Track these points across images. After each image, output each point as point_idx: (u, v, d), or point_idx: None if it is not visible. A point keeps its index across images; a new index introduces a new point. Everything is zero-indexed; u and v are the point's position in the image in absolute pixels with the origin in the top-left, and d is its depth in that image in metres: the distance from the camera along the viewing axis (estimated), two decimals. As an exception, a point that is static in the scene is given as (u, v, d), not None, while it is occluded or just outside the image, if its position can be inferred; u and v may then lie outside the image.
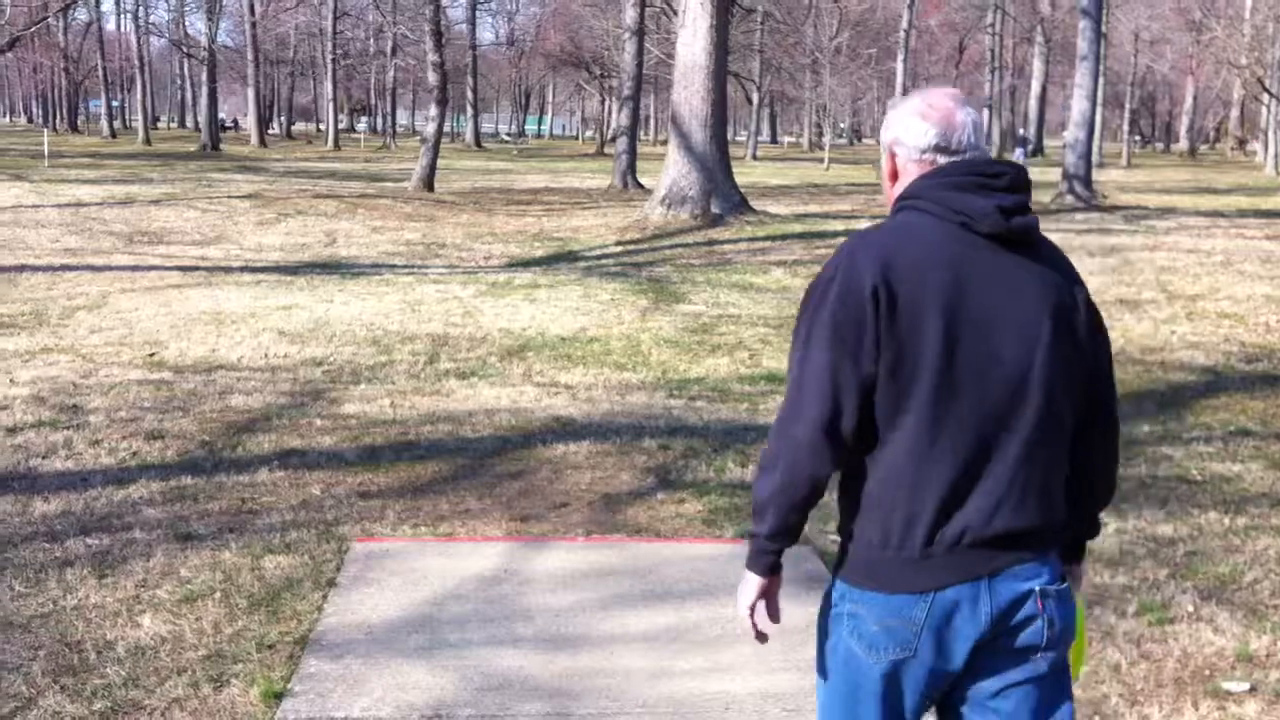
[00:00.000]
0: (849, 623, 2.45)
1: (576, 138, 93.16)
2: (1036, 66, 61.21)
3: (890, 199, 2.52)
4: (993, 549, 2.35)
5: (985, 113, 58.72)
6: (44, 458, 6.71)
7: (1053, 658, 2.44)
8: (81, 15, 67.09)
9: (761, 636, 2.60)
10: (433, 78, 29.07)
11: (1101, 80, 38.14)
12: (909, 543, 2.34)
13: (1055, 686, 2.46)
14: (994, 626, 2.36)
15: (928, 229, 2.37)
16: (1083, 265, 15.36)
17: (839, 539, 2.49)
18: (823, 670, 2.57)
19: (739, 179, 23.83)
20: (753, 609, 2.55)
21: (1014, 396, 2.37)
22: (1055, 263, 2.49)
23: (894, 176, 2.53)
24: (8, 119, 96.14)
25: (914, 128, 2.46)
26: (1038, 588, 2.39)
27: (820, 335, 2.35)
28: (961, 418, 2.34)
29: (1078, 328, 2.49)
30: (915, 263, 2.33)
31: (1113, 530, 5.87)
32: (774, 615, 2.58)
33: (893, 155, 2.52)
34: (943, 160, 2.43)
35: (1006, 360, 2.36)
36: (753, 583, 2.52)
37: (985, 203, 2.36)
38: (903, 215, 2.43)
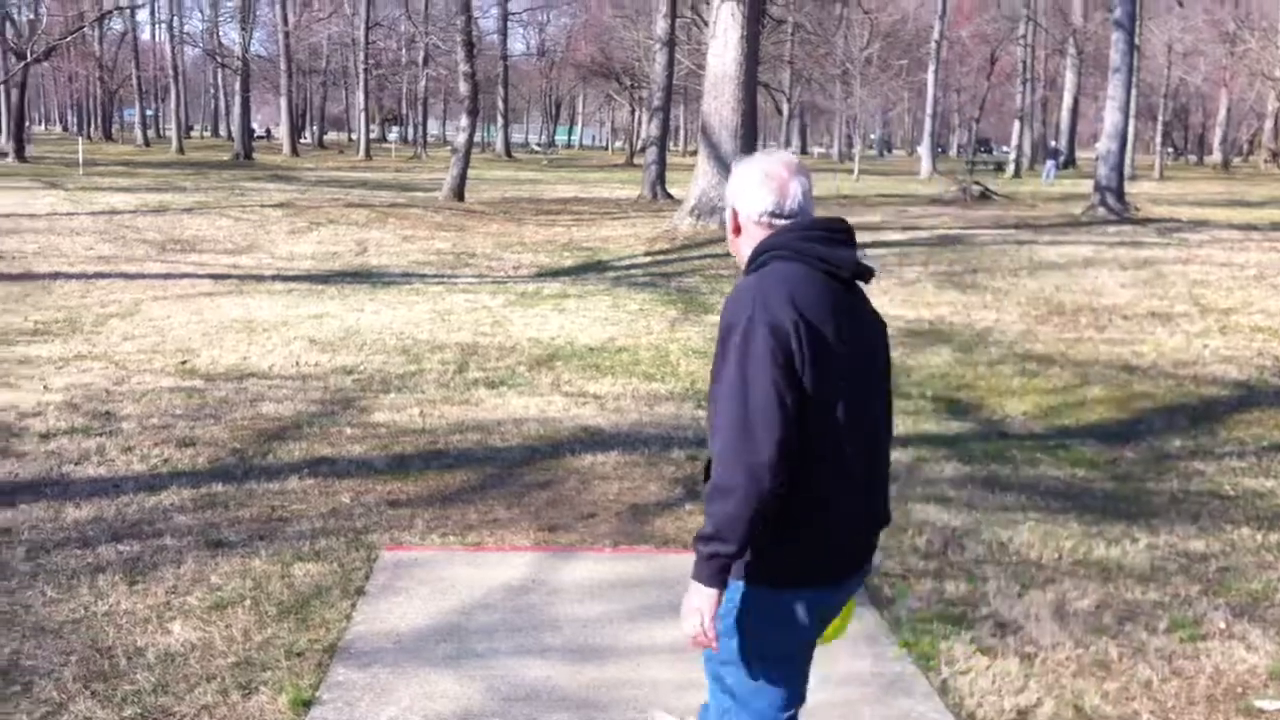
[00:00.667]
0: (785, 613, 2.91)
1: (606, 148, 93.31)
2: (1068, 78, 60.86)
3: (737, 248, 3.04)
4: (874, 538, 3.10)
5: (1016, 124, 58.50)
6: (77, 464, 6.76)
7: None
8: (117, 25, 67.74)
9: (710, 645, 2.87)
10: (464, 88, 29.18)
11: (1134, 92, 37.95)
12: (841, 544, 2.94)
13: None
14: None
15: (804, 275, 2.84)
16: (1115, 278, 15.35)
17: (762, 546, 2.82)
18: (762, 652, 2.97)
19: (769, 190, 23.76)
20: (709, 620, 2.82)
21: (881, 408, 3.07)
22: (865, 298, 3.05)
23: (737, 230, 3.03)
24: (44, 127, 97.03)
25: (752, 195, 2.95)
26: None
27: (758, 370, 2.70)
28: (864, 432, 2.91)
29: (887, 348, 3.13)
30: (811, 302, 2.79)
31: (1144, 545, 5.83)
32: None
33: (735, 213, 3.01)
34: (778, 223, 2.93)
35: (873, 378, 3.00)
36: (710, 596, 2.78)
37: (846, 253, 2.91)
38: (777, 265, 2.88)
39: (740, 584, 2.89)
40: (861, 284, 2.99)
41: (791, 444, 2.71)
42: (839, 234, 2.94)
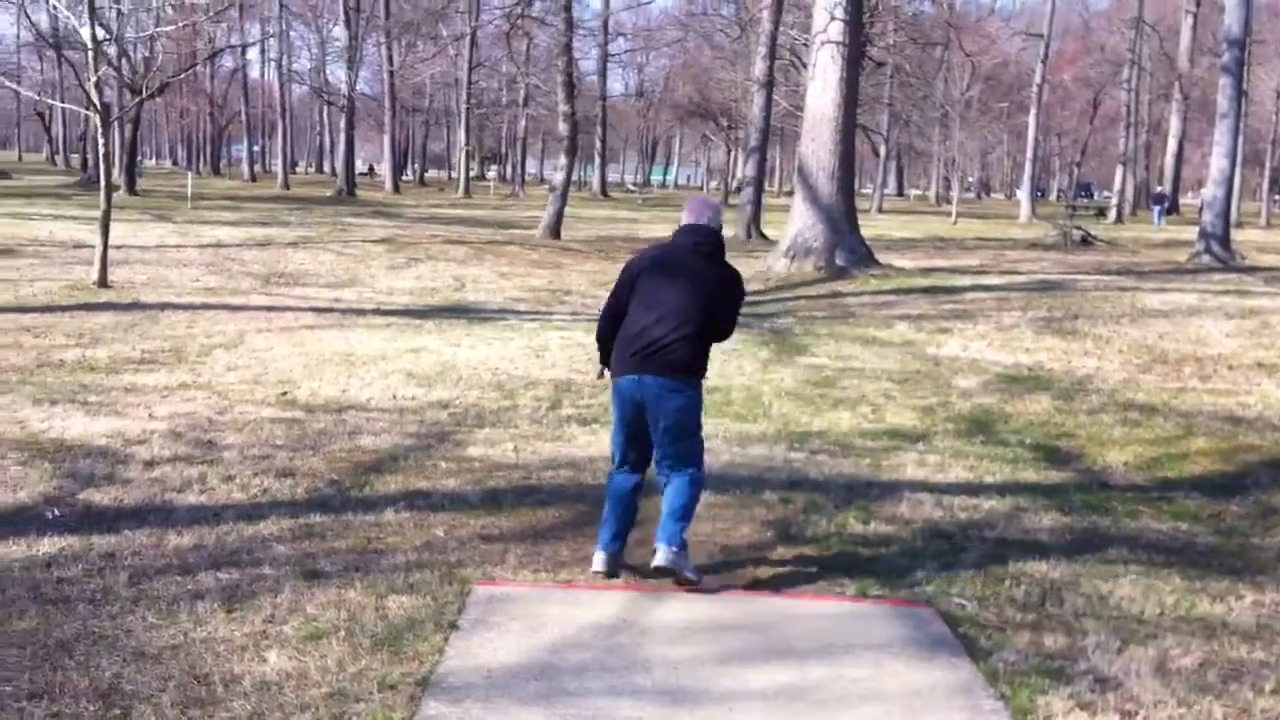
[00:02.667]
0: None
1: (701, 188, 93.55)
2: (1173, 123, 59.87)
3: None
4: None
5: (1119, 169, 57.57)
6: (179, 492, 6.90)
7: None
8: (227, 63, 69.55)
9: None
10: (563, 128, 29.49)
11: (1241, 138, 37.20)
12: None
13: None
14: None
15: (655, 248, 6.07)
16: (1220, 327, 15.03)
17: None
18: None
19: (864, 232, 23.69)
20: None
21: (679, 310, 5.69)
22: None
23: None
24: (154, 161, 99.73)
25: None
26: None
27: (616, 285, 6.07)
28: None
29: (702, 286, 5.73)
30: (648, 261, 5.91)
31: (1250, 602, 5.67)
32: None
33: None
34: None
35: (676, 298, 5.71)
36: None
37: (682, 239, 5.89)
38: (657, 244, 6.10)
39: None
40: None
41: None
42: (686, 230, 5.88)
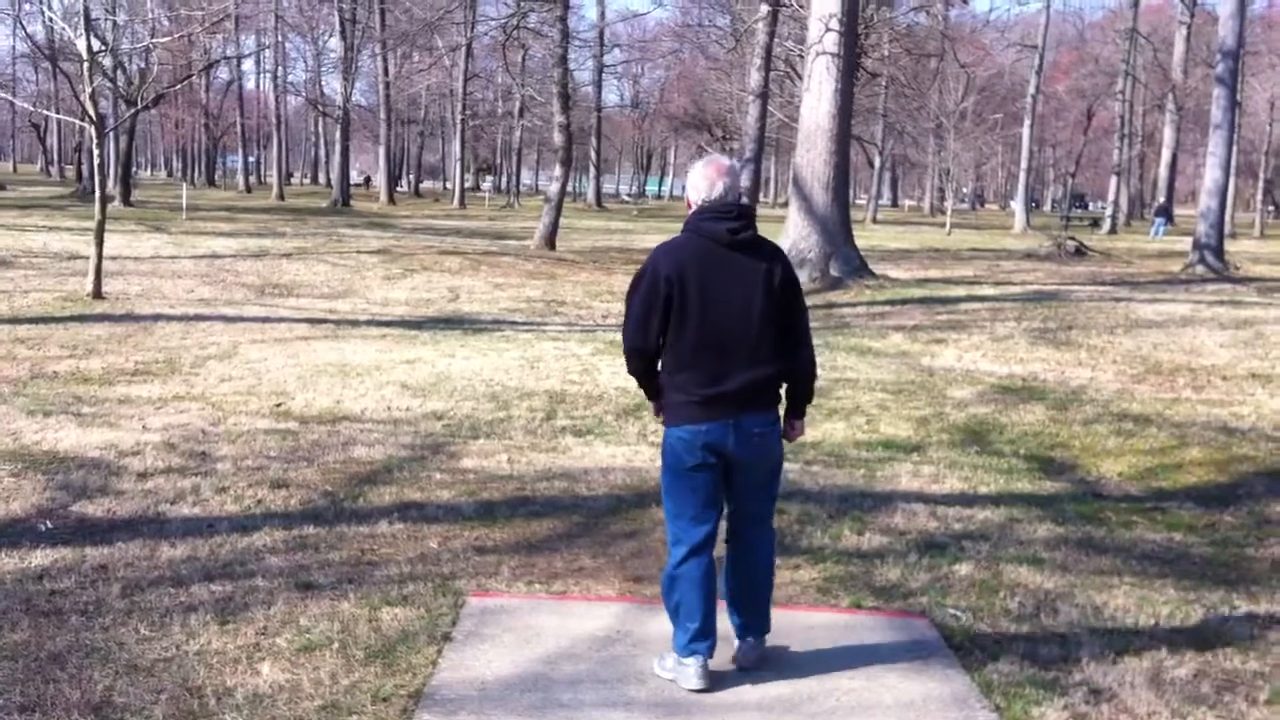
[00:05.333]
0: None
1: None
2: (1167, 134, 60.07)
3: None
4: None
5: (1113, 180, 57.68)
6: (172, 503, 6.89)
7: None
8: (223, 74, 69.60)
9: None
10: (558, 139, 29.52)
11: (1235, 149, 37.29)
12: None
13: None
14: None
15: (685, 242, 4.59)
16: (1214, 337, 15.04)
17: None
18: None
19: (859, 242, 23.73)
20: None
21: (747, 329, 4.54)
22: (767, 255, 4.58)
23: (689, 207, 4.67)
24: (149, 172, 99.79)
25: (694, 185, 4.66)
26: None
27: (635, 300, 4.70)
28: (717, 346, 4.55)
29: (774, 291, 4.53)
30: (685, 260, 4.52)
31: (1244, 613, 5.67)
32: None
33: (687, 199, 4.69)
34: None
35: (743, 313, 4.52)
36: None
37: (722, 226, 4.52)
38: (677, 237, 4.64)
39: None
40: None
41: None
42: (725, 212, 4.53)
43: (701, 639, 4.59)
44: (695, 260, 4.46)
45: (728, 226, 4.48)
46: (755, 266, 4.50)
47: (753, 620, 4.78)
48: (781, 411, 4.75)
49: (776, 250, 4.63)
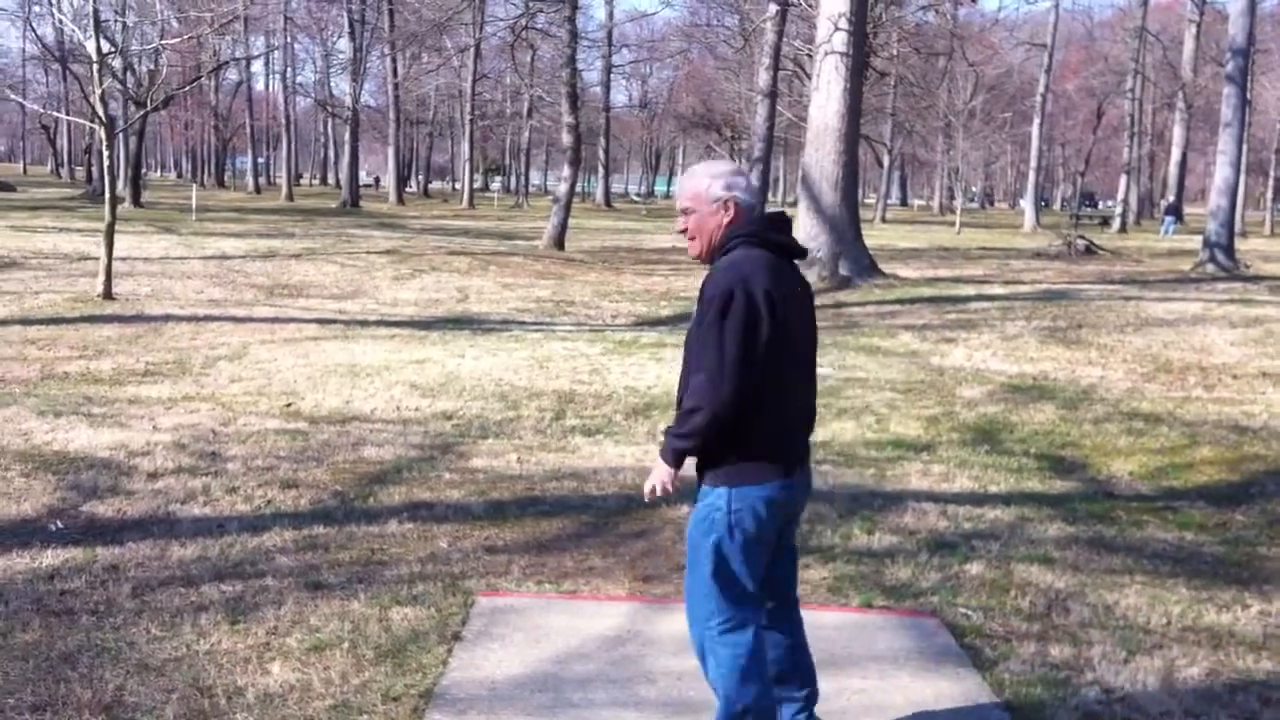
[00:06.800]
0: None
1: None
2: (1177, 133, 59.83)
3: (704, 235, 3.81)
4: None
5: (1123, 179, 57.56)
6: (183, 503, 6.90)
7: None
8: (232, 76, 69.80)
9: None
10: (567, 139, 29.54)
11: (1245, 147, 37.20)
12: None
13: None
14: None
15: (767, 258, 3.67)
16: (1224, 336, 14.98)
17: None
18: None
19: (868, 241, 23.70)
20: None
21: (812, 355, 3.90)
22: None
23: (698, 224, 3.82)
24: (159, 174, 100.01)
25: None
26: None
27: (733, 330, 3.51)
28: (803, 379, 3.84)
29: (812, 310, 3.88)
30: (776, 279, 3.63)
31: (1256, 612, 5.65)
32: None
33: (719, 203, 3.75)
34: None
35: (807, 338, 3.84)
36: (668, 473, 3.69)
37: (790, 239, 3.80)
38: (745, 249, 3.68)
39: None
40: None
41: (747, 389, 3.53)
42: (785, 224, 3.80)
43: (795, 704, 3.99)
44: (779, 279, 3.61)
45: (790, 240, 3.77)
46: (806, 287, 3.84)
47: (811, 684, 4.04)
48: None
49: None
